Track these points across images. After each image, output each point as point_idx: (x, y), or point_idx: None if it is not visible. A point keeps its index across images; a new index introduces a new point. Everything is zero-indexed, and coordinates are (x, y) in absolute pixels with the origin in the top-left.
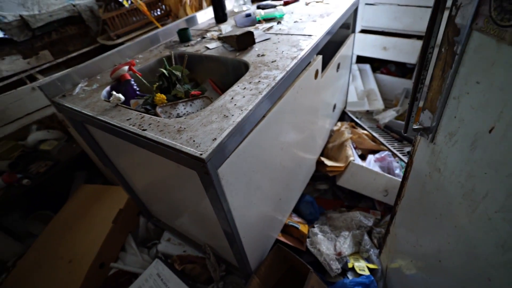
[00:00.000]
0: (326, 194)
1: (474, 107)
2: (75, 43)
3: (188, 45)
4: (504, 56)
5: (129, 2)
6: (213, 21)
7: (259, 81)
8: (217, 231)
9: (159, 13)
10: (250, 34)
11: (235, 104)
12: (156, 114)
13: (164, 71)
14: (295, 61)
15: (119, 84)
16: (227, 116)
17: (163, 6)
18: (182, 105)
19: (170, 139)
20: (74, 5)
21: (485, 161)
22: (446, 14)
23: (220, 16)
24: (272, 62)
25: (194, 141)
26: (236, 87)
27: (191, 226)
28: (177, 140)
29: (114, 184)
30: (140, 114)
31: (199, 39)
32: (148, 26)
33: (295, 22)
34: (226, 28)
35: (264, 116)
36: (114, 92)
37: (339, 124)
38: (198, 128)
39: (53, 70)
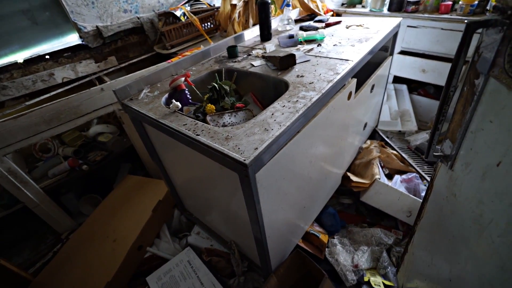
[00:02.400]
0: (349, 208)
1: (486, 142)
2: (135, 50)
3: (236, 61)
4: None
5: (185, 17)
6: (259, 39)
7: (297, 101)
8: (244, 230)
9: (209, 26)
10: (292, 56)
11: (274, 120)
12: (205, 121)
13: (215, 84)
14: (330, 84)
15: (175, 92)
16: (267, 130)
17: (213, 21)
18: (228, 115)
19: (219, 145)
20: (138, 17)
21: (493, 190)
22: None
23: (265, 34)
24: (310, 83)
25: (239, 148)
26: (277, 104)
27: (221, 223)
28: (225, 146)
29: (154, 177)
30: (194, 121)
31: (245, 55)
32: (199, 38)
33: (334, 45)
34: (270, 47)
35: (298, 131)
36: (173, 101)
37: (368, 142)
38: (242, 137)
39: (115, 73)
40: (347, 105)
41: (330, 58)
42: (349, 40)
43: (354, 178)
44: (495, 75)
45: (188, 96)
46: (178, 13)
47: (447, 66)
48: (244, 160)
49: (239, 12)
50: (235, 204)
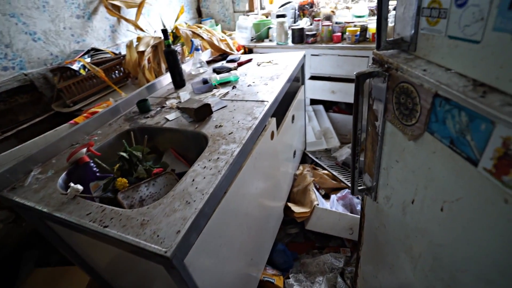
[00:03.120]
0: (297, 237)
1: (398, 180)
2: (27, 112)
3: (148, 116)
4: (409, 146)
5: (86, 70)
6: (172, 86)
7: (218, 158)
8: None
9: (117, 75)
10: (207, 106)
11: (196, 188)
12: (118, 200)
13: (124, 154)
14: (250, 131)
15: (77, 167)
16: (189, 203)
17: (122, 69)
18: (144, 186)
19: (133, 236)
20: (26, 74)
21: (414, 226)
22: None
23: (178, 81)
24: (229, 134)
25: (158, 236)
26: (197, 166)
27: None
28: (141, 236)
29: (72, 263)
30: (101, 207)
31: (158, 108)
32: (107, 89)
33: (248, 85)
34: (185, 95)
35: (225, 192)
36: (72, 184)
37: (301, 167)
38: (161, 219)
39: (1, 144)
40: (272, 145)
41: (246, 101)
42: (262, 79)
43: (295, 208)
44: (390, 120)
45: (94, 169)
46: (76, 66)
47: (351, 85)
48: (166, 252)
49: (149, 58)
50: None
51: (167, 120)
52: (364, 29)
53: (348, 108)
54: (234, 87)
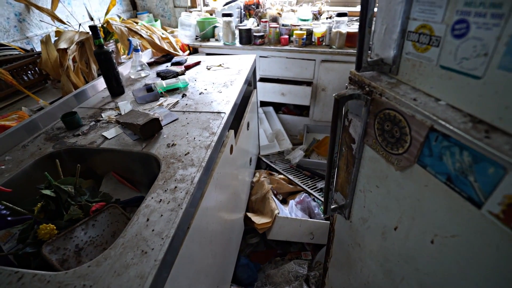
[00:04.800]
0: (258, 246)
1: (378, 205)
2: None
3: (79, 134)
4: (393, 174)
5: None
6: (108, 93)
7: (176, 187)
8: None
9: (31, 77)
10: (156, 121)
11: (152, 230)
12: (43, 256)
13: (48, 192)
14: (209, 150)
15: None
16: (146, 252)
17: (37, 69)
18: (81, 229)
19: None
20: None
21: (396, 251)
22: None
23: (115, 88)
24: (186, 154)
25: None
26: (151, 200)
27: None
28: None
29: None
30: (17, 273)
31: (92, 123)
32: (17, 95)
33: (200, 93)
34: (125, 105)
35: (188, 227)
36: None
37: (257, 174)
38: (110, 281)
39: None
40: (231, 159)
41: (200, 112)
42: (215, 85)
43: (256, 219)
44: (370, 144)
45: (3, 212)
46: None
47: (299, 88)
48: None
49: (73, 57)
50: None
51: (105, 138)
52: (310, 32)
53: (297, 109)
54: (184, 95)
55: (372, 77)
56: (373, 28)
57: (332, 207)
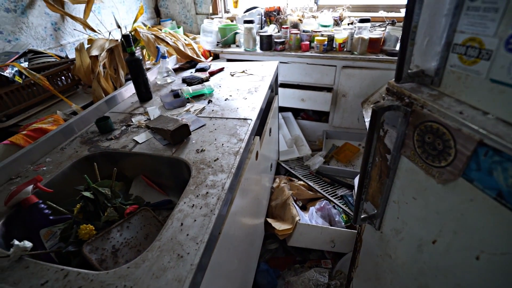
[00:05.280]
0: (277, 252)
1: (414, 217)
2: None
3: (112, 138)
4: (433, 187)
5: (23, 76)
6: (136, 98)
7: (207, 193)
8: None
9: (65, 82)
10: (185, 127)
11: (187, 234)
12: (84, 255)
13: (88, 194)
14: (238, 157)
15: (21, 212)
16: (182, 256)
17: (70, 75)
18: (117, 231)
19: None
20: None
21: (434, 265)
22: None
23: (144, 93)
24: (215, 160)
25: None
26: (183, 205)
27: None
28: None
29: None
30: (62, 270)
31: (123, 127)
32: (52, 100)
33: (226, 99)
34: (154, 110)
35: (220, 233)
36: (15, 241)
37: (277, 180)
38: (149, 283)
39: None
40: (256, 165)
41: (227, 118)
42: (239, 91)
43: (276, 225)
44: (408, 156)
45: (45, 211)
46: (8, 72)
47: (319, 94)
48: None
49: (104, 63)
50: None
51: (137, 143)
52: (331, 38)
53: (315, 115)
54: (210, 102)
55: (412, 88)
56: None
57: (362, 216)
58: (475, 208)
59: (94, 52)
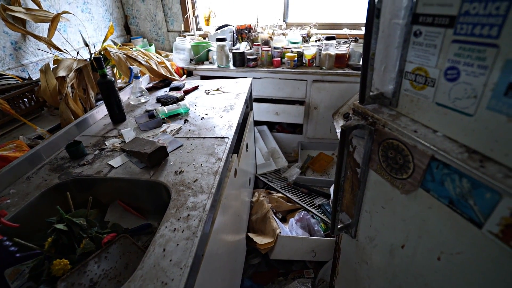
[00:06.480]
0: (260, 266)
1: (385, 224)
2: None
3: (84, 163)
4: (398, 197)
5: None
6: (109, 120)
7: (189, 215)
8: None
9: (28, 105)
10: (163, 149)
11: (170, 260)
12: None
13: (61, 226)
14: (218, 176)
15: None
16: (166, 283)
17: (34, 97)
18: (94, 263)
19: None
20: None
21: (405, 267)
22: None
23: (117, 114)
24: (195, 181)
25: None
26: (165, 229)
27: None
28: None
29: None
30: None
31: (97, 151)
32: (13, 124)
33: (202, 118)
34: (128, 132)
35: (203, 255)
36: None
37: (256, 194)
38: None
39: None
40: (235, 182)
41: (204, 137)
42: (215, 110)
43: (258, 239)
44: (375, 169)
45: (11, 248)
46: None
47: (292, 107)
48: None
49: (72, 84)
50: None
51: (112, 167)
52: (300, 54)
53: (290, 127)
54: (186, 121)
55: (374, 109)
56: (374, 66)
57: (339, 226)
58: (433, 214)
59: (61, 73)
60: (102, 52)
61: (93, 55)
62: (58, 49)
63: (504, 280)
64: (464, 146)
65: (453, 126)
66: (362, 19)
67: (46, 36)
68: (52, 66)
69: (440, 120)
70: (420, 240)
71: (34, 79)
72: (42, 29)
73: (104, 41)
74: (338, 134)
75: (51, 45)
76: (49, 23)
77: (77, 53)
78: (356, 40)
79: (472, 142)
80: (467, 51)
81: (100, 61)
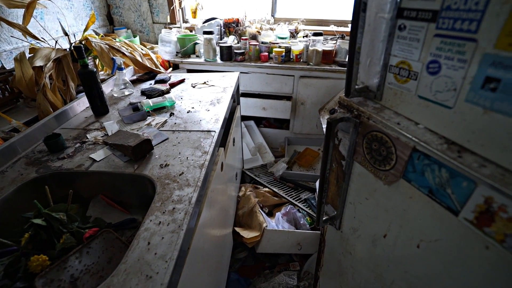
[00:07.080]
0: (247, 260)
1: (368, 215)
2: None
3: (64, 157)
4: (381, 188)
5: None
6: (90, 112)
7: (174, 208)
8: None
9: (1, 96)
10: (147, 142)
11: (155, 253)
12: None
13: (39, 221)
14: (204, 170)
15: None
16: (150, 277)
17: (8, 88)
18: (75, 258)
19: None
20: None
21: (386, 256)
22: None
23: (99, 107)
24: (180, 175)
25: None
26: (149, 223)
27: None
28: None
29: None
30: None
31: (77, 144)
32: None
33: (188, 112)
34: (111, 125)
35: (188, 248)
36: None
37: (243, 188)
38: None
39: None
40: (222, 176)
41: (190, 131)
42: (202, 103)
43: (244, 233)
44: (359, 161)
45: None
46: None
47: (280, 102)
48: None
49: (50, 74)
50: None
51: (94, 160)
52: (288, 50)
53: (277, 122)
54: (172, 114)
55: (359, 102)
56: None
57: (324, 218)
58: (414, 204)
59: (38, 63)
60: (83, 42)
61: (73, 45)
62: (35, 37)
63: (479, 265)
64: (444, 138)
65: (434, 118)
66: (349, 16)
67: (21, 23)
68: (28, 55)
69: (422, 112)
70: (401, 229)
71: (8, 68)
72: (16, 15)
73: (85, 30)
74: (324, 130)
75: (26, 32)
76: (24, 9)
77: (56, 42)
78: (343, 37)
79: (451, 134)
80: (448, 45)
81: (80, 50)
